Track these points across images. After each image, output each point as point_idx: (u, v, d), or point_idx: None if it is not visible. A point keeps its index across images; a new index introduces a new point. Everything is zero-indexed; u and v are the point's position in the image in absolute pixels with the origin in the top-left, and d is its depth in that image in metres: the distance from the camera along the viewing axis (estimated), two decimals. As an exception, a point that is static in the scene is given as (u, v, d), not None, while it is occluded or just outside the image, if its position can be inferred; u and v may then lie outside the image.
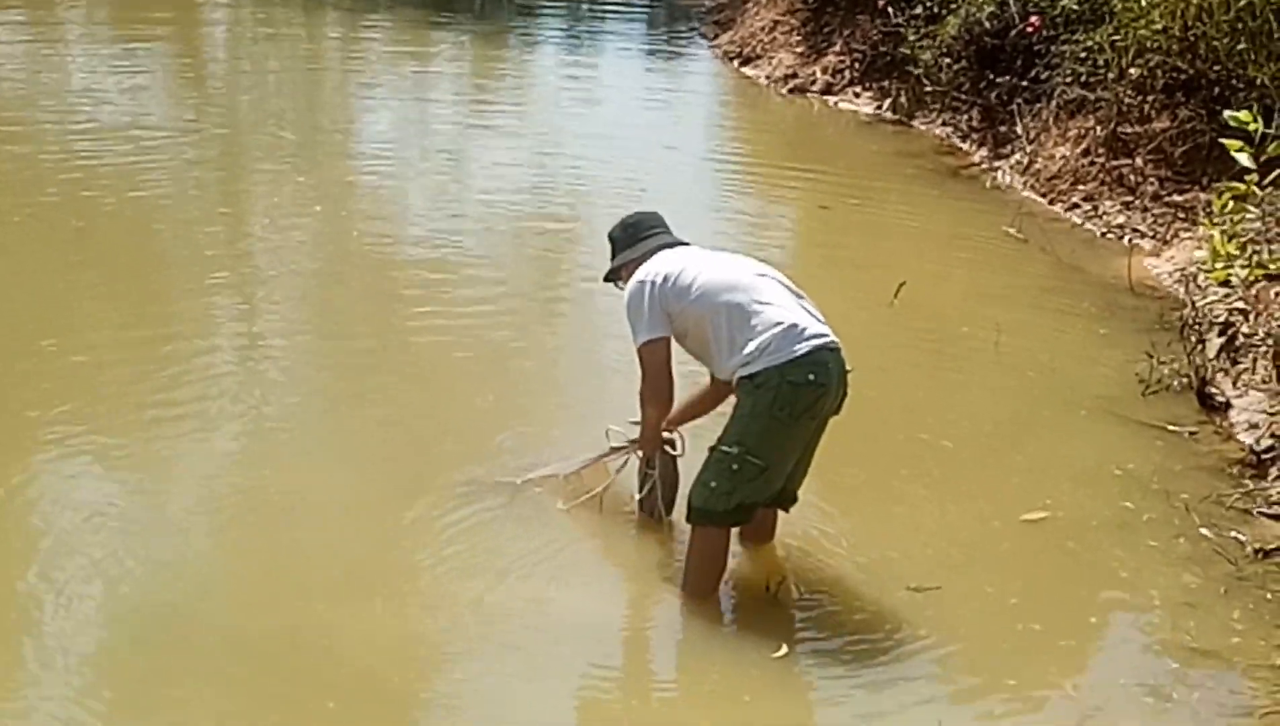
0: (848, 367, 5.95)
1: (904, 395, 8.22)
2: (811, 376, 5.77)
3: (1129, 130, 11.99)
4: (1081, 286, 10.28)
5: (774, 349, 5.78)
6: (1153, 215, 11.37)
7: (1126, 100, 12.02)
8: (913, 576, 6.31)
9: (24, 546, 6.25)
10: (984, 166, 13.36)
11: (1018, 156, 13.05)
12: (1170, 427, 7.90)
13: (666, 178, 12.84)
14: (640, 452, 6.54)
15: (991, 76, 13.80)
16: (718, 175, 13.61)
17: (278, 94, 16.35)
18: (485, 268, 10.30)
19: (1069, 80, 12.65)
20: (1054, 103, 12.83)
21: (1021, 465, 7.51)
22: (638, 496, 6.58)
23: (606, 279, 6.57)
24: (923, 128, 14.69)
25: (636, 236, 6.40)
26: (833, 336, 5.92)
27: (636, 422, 6.51)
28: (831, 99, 16.03)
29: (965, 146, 13.96)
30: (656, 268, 6.10)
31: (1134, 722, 5.51)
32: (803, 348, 5.79)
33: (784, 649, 5.79)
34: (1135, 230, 11.32)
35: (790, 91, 16.40)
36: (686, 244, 6.38)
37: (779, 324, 5.82)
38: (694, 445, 6.43)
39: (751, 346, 5.81)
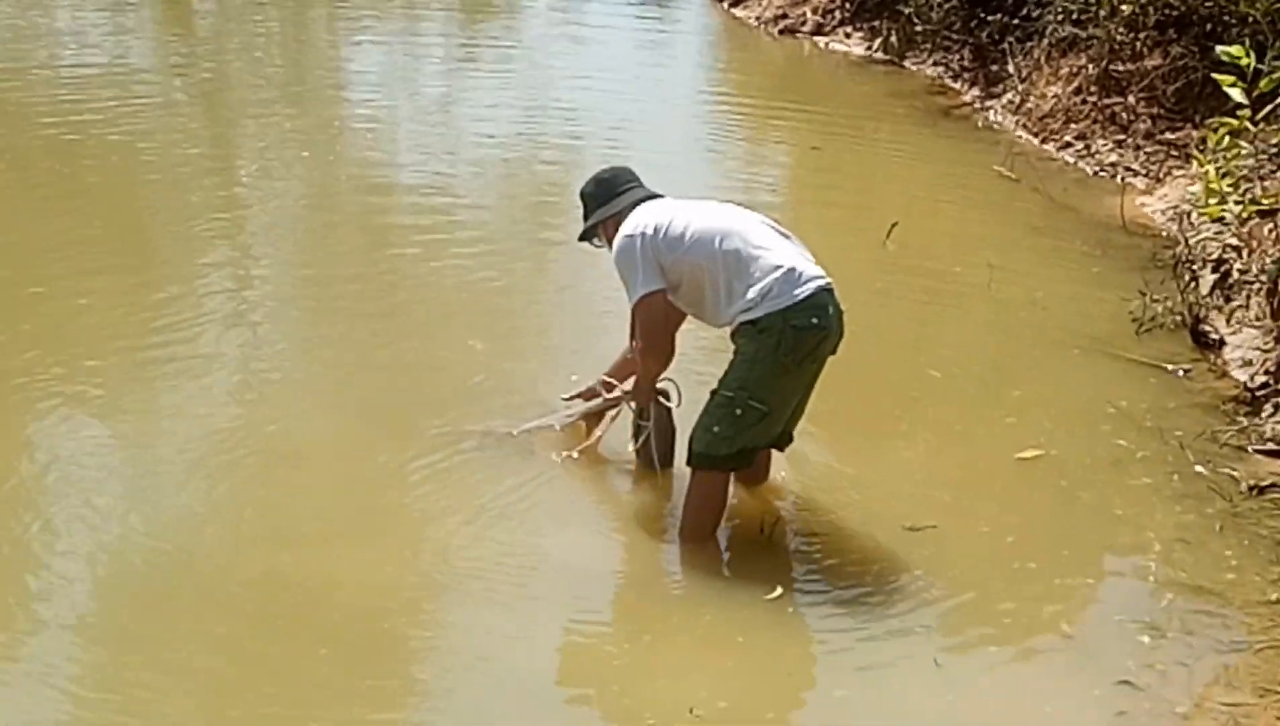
0: (842, 307, 5.94)
1: (897, 335, 8.21)
2: (815, 319, 5.76)
3: (1121, 68, 11.95)
4: (1074, 225, 10.25)
5: (776, 293, 5.74)
6: (1145, 153, 11.34)
7: (1118, 37, 11.96)
8: (908, 515, 6.30)
9: (12, 495, 6.24)
10: (975, 106, 13.34)
11: (1009, 96, 13.00)
12: (1164, 365, 7.88)
13: (657, 119, 12.84)
14: (633, 404, 6.50)
15: (983, 15, 13.74)
16: (708, 117, 13.57)
17: (265, 37, 16.24)
18: (475, 211, 10.28)
19: (1060, 18, 12.58)
20: (1045, 41, 12.78)
21: (1015, 404, 7.48)
22: (633, 448, 6.55)
23: (582, 238, 6.46)
24: (914, 68, 14.64)
25: (613, 191, 6.26)
26: (828, 277, 5.89)
27: (607, 382, 6.59)
28: (822, 39, 15.96)
29: (956, 86, 13.93)
30: (643, 220, 5.99)
31: (1129, 660, 5.49)
32: (804, 291, 5.76)
33: (778, 590, 5.78)
34: (1128, 168, 11.29)
35: (780, 32, 16.34)
36: (662, 196, 6.28)
37: (778, 268, 5.79)
38: (691, 395, 6.39)
39: (753, 292, 5.76)
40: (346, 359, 7.74)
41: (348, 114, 12.89)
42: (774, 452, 6.35)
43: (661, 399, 6.39)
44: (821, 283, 5.83)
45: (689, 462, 6.02)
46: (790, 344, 5.74)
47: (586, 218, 6.33)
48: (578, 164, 11.08)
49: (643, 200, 6.17)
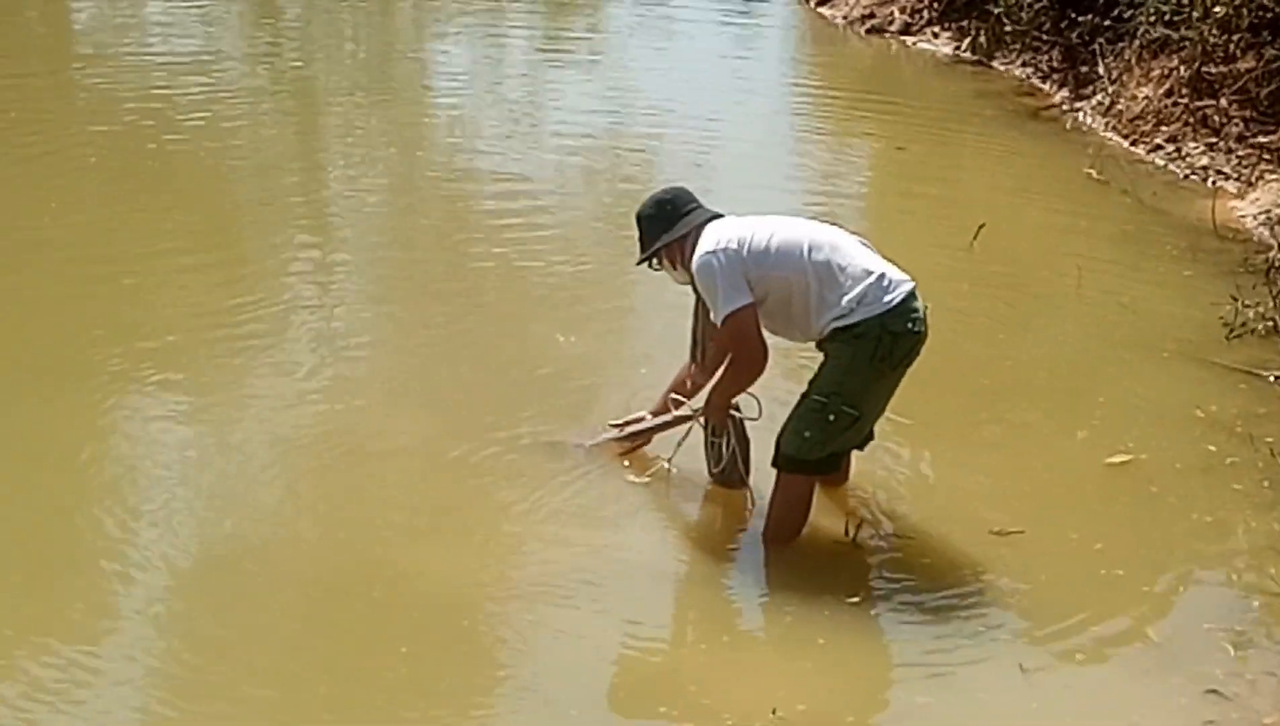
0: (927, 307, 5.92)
1: (984, 337, 8.14)
2: (910, 324, 5.74)
3: (1213, 70, 11.80)
4: (1164, 229, 10.13)
5: (871, 299, 5.71)
6: (1237, 157, 11.19)
7: (1211, 39, 11.80)
8: (995, 520, 6.26)
9: (99, 483, 6.32)
10: (1065, 107, 13.19)
11: (1099, 97, 12.86)
12: (1255, 371, 7.76)
13: (741, 118, 12.79)
14: (702, 421, 6.30)
15: (1073, 15, 13.57)
16: (793, 116, 13.52)
17: (352, 28, 16.34)
18: (559, 208, 10.29)
19: (1152, 19, 12.42)
20: (1137, 42, 12.62)
21: (1103, 408, 7.40)
22: (716, 470, 6.38)
23: (640, 262, 6.23)
24: (1002, 68, 14.51)
25: (677, 213, 6.06)
26: (913, 280, 5.86)
27: (675, 399, 6.44)
28: (909, 39, 15.86)
29: (1045, 87, 13.78)
30: (724, 235, 5.84)
31: (1216, 668, 5.43)
32: (897, 296, 5.74)
33: (861, 593, 5.78)
34: (1219, 172, 11.14)
35: (868, 32, 16.24)
36: (724, 216, 6.09)
37: (869, 273, 5.75)
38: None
39: (846, 299, 5.71)
40: (429, 353, 7.78)
41: (433, 108, 12.95)
42: (854, 452, 6.29)
43: (734, 412, 6.20)
44: (910, 286, 5.81)
45: (775, 464, 5.97)
46: (887, 349, 5.71)
47: (644, 240, 6.15)
48: (662, 161, 11.12)
49: (710, 220, 6.02)
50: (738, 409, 6.23)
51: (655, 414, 6.55)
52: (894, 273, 5.82)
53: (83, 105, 12.31)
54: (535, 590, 5.77)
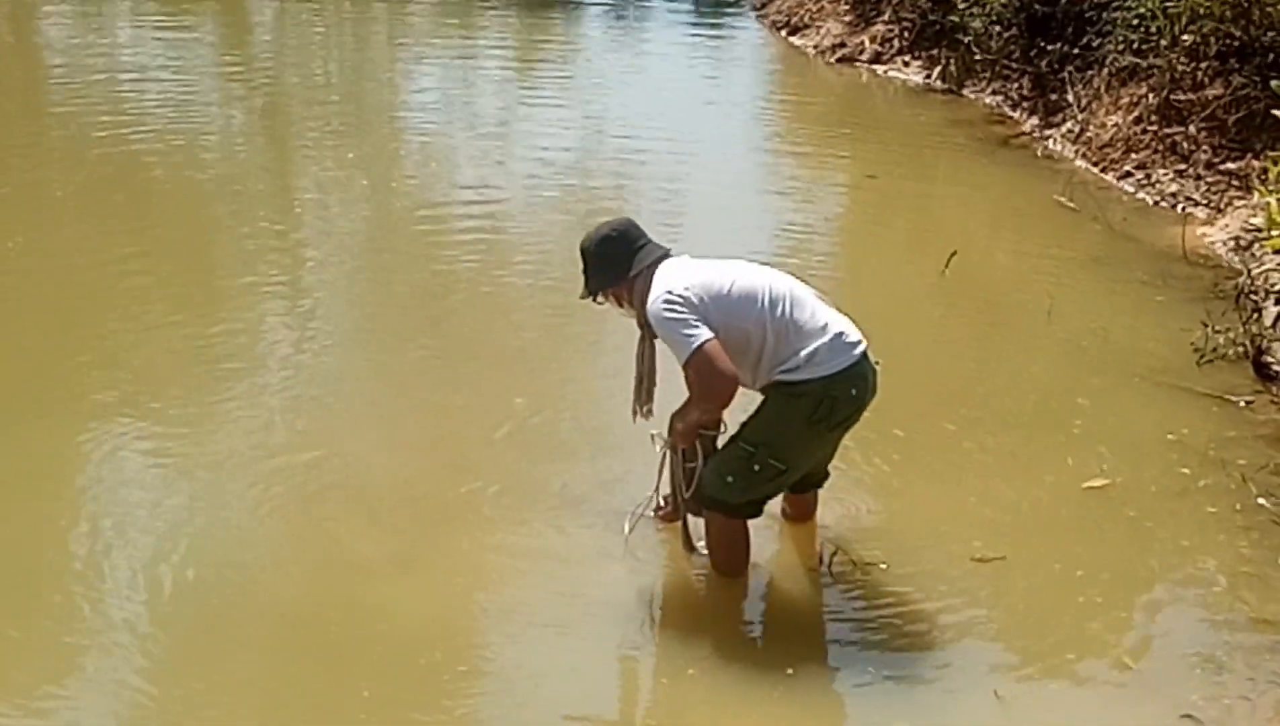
0: (876, 363, 5.74)
1: (958, 365, 8.17)
2: (854, 391, 5.60)
3: (1182, 98, 11.88)
4: (1134, 255, 10.18)
5: (820, 360, 5.53)
6: (1206, 183, 11.25)
7: (1179, 67, 11.90)
8: (974, 546, 6.26)
9: (79, 519, 6.29)
10: (1035, 135, 13.27)
11: (1069, 125, 12.95)
12: (1226, 397, 7.80)
13: (712, 146, 12.84)
14: (676, 446, 5.98)
15: (1042, 44, 13.71)
16: (765, 144, 13.59)
17: (324, 63, 16.37)
18: (533, 239, 10.31)
19: (1121, 47, 12.53)
20: (1106, 70, 12.72)
21: (1077, 433, 7.41)
22: (687, 495, 6.00)
23: (585, 296, 5.96)
24: (972, 96, 14.62)
25: (628, 250, 5.78)
26: (864, 341, 5.67)
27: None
28: (880, 68, 15.96)
29: (1015, 115, 13.87)
30: (680, 280, 5.58)
31: (1192, 694, 5.44)
32: (847, 361, 5.57)
33: (837, 620, 5.81)
34: (1189, 198, 11.20)
35: (838, 61, 16.34)
36: (672, 253, 5.83)
37: (824, 332, 5.57)
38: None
39: (799, 356, 5.53)
40: (405, 387, 7.76)
41: (405, 134, 12.99)
42: (817, 492, 6.26)
43: (705, 431, 5.89)
44: (861, 349, 5.63)
45: (696, 500, 5.89)
46: (825, 412, 5.57)
47: (590, 277, 5.88)
48: (633, 188, 11.17)
49: (659, 260, 5.76)
50: (706, 428, 5.91)
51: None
52: (849, 333, 5.64)
53: (50, 138, 12.28)
54: (499, 629, 5.73)
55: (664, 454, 6.08)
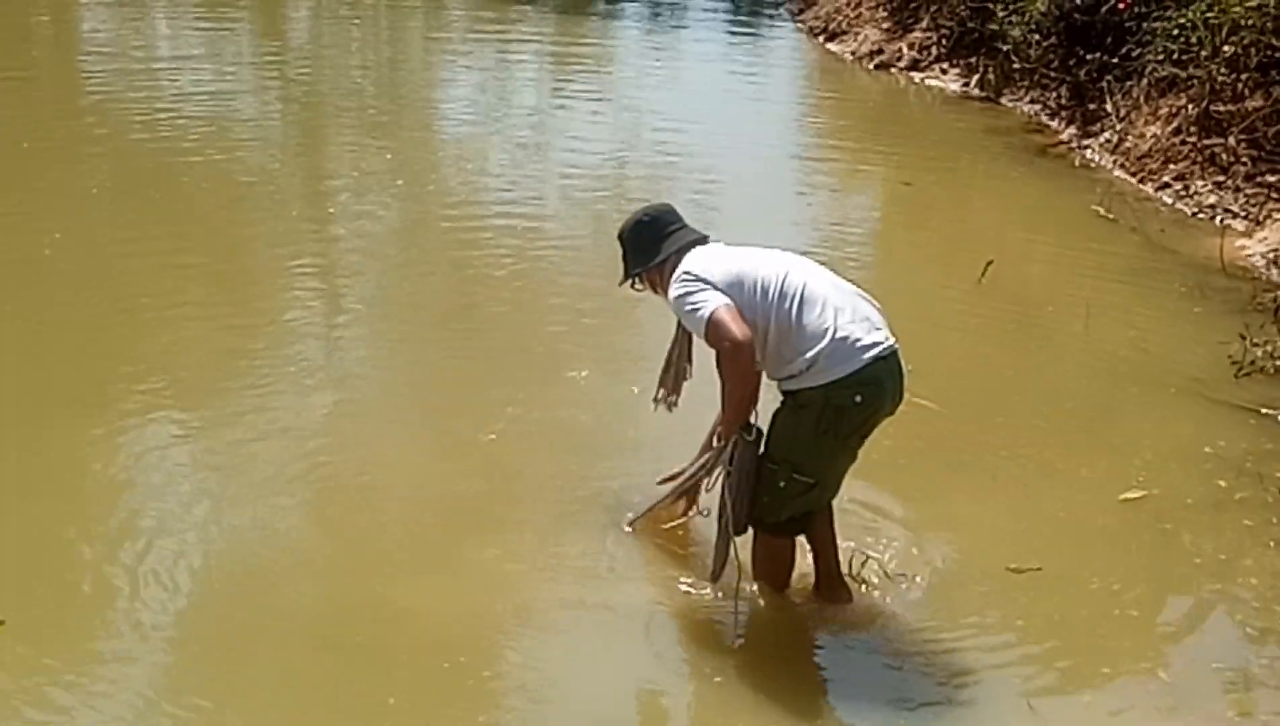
0: (905, 368, 5.55)
1: (993, 374, 8.13)
2: (859, 398, 5.40)
3: (1221, 109, 11.82)
4: (1172, 266, 10.14)
5: (821, 367, 5.37)
6: (1245, 195, 11.20)
7: (1219, 78, 11.84)
8: (1011, 556, 6.23)
9: (107, 514, 6.29)
10: (1072, 145, 13.21)
11: (1107, 134, 12.89)
12: (1263, 410, 7.75)
13: (748, 153, 12.78)
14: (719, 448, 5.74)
15: (1081, 53, 13.63)
16: (801, 151, 13.55)
17: (360, 65, 16.40)
18: (568, 244, 10.27)
19: (1160, 58, 12.47)
20: (1145, 80, 12.66)
21: (1113, 444, 7.38)
22: (730, 504, 5.68)
23: (623, 282, 5.95)
24: (1010, 105, 14.56)
25: (660, 236, 5.77)
26: (888, 340, 5.47)
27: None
28: (918, 75, 15.91)
29: (1054, 124, 13.81)
30: (699, 265, 5.54)
31: (1226, 709, 5.42)
32: (851, 366, 5.37)
33: (868, 628, 5.75)
34: (1227, 210, 11.14)
35: (876, 67, 16.30)
36: (707, 238, 5.81)
37: (828, 336, 5.37)
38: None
39: (800, 361, 5.40)
40: (434, 388, 7.77)
41: (439, 134, 12.99)
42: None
43: (745, 436, 5.63)
44: (876, 351, 5.41)
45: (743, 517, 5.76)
46: (830, 422, 5.41)
47: (627, 261, 5.87)
48: (667, 191, 11.10)
49: (691, 244, 5.72)
50: (749, 431, 5.66)
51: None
52: (865, 336, 5.43)
53: (87, 133, 12.31)
54: (523, 634, 5.70)
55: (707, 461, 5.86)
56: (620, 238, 5.91)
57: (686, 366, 5.96)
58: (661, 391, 6.08)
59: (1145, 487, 6.88)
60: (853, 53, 16.88)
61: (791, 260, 5.67)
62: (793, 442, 5.51)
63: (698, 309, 5.42)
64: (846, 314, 5.47)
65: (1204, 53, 11.96)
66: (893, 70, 16.19)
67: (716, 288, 5.44)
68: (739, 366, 5.39)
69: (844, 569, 5.95)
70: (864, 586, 5.98)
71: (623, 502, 6.44)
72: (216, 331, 8.18)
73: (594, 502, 6.51)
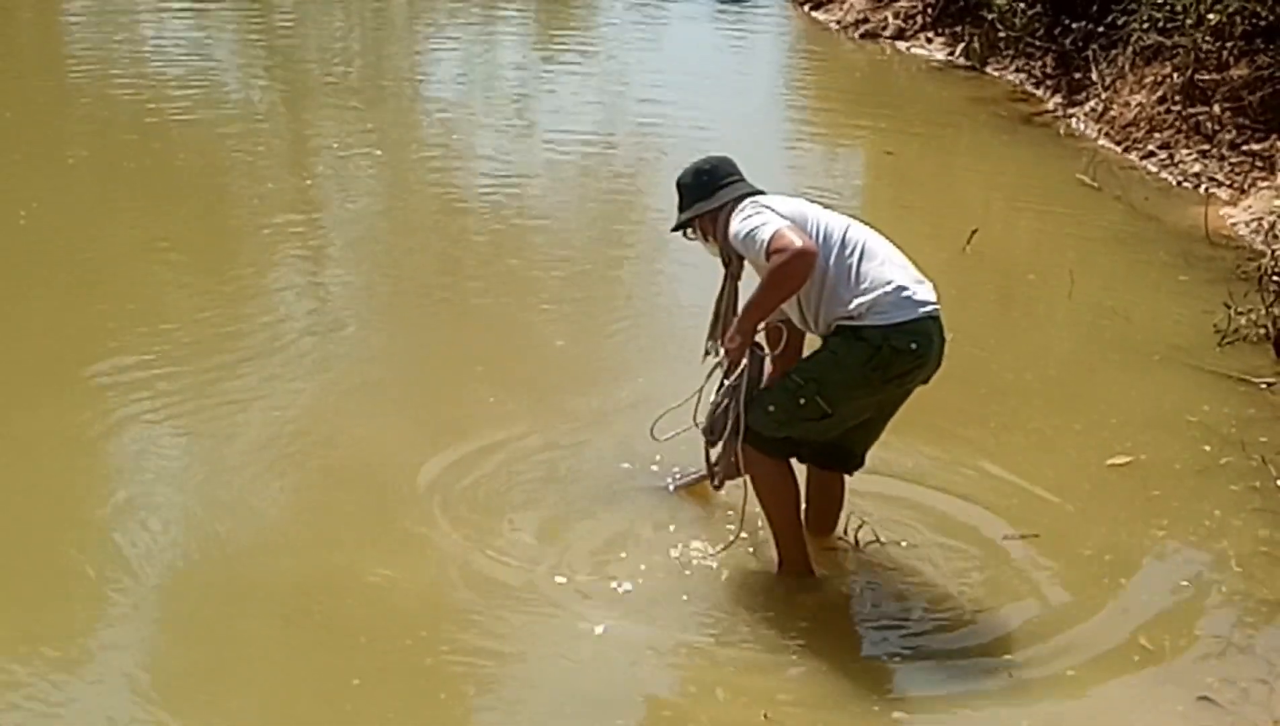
0: (946, 335, 5.61)
1: (978, 343, 8.06)
2: (914, 345, 5.45)
3: (1206, 77, 11.81)
4: (1156, 235, 10.14)
5: (884, 309, 5.41)
6: (1230, 164, 11.19)
7: (1204, 47, 11.84)
8: (999, 522, 6.26)
9: (83, 488, 6.31)
10: (1058, 113, 13.20)
11: (1092, 103, 12.88)
12: (1247, 378, 7.76)
13: (734, 120, 12.75)
14: (728, 356, 5.70)
15: (1067, 22, 13.62)
16: (786, 119, 13.54)
17: (344, 29, 16.33)
18: (551, 213, 10.27)
19: (1145, 26, 12.45)
20: (1130, 49, 12.64)
21: (1098, 411, 7.38)
22: (711, 429, 5.76)
23: (675, 228, 5.97)
24: (995, 74, 14.54)
25: (716, 184, 5.78)
26: (937, 303, 5.57)
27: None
28: (903, 44, 15.88)
29: (1039, 93, 13.80)
30: (762, 203, 5.56)
31: (1208, 675, 5.41)
32: (912, 313, 5.45)
33: (860, 594, 5.78)
34: (1212, 179, 11.14)
35: (861, 36, 16.26)
36: (764, 192, 5.76)
37: (890, 284, 5.44)
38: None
39: (857, 302, 5.42)
40: (418, 364, 7.76)
41: (425, 108, 12.94)
42: (845, 477, 6.09)
43: (757, 348, 5.67)
44: (930, 309, 5.50)
45: (734, 432, 5.68)
46: (885, 360, 5.43)
47: (682, 208, 5.88)
48: (653, 162, 11.10)
49: (748, 195, 5.69)
50: (761, 347, 5.71)
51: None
52: (922, 291, 5.52)
53: (66, 107, 12.26)
54: (511, 607, 5.66)
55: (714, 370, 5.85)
56: (679, 184, 5.90)
57: (733, 318, 5.83)
58: (710, 342, 6.01)
59: (1131, 453, 6.88)
60: (838, 21, 16.83)
61: (848, 219, 5.70)
62: (833, 366, 5.50)
63: (760, 228, 5.41)
64: (905, 273, 5.55)
65: (1189, 21, 11.95)
66: (878, 39, 16.15)
67: (781, 217, 5.45)
68: (790, 268, 5.32)
69: (838, 531, 5.98)
70: (856, 549, 5.99)
71: (598, 478, 6.45)
72: (195, 304, 8.15)
73: (564, 479, 6.49)
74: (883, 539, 6.06)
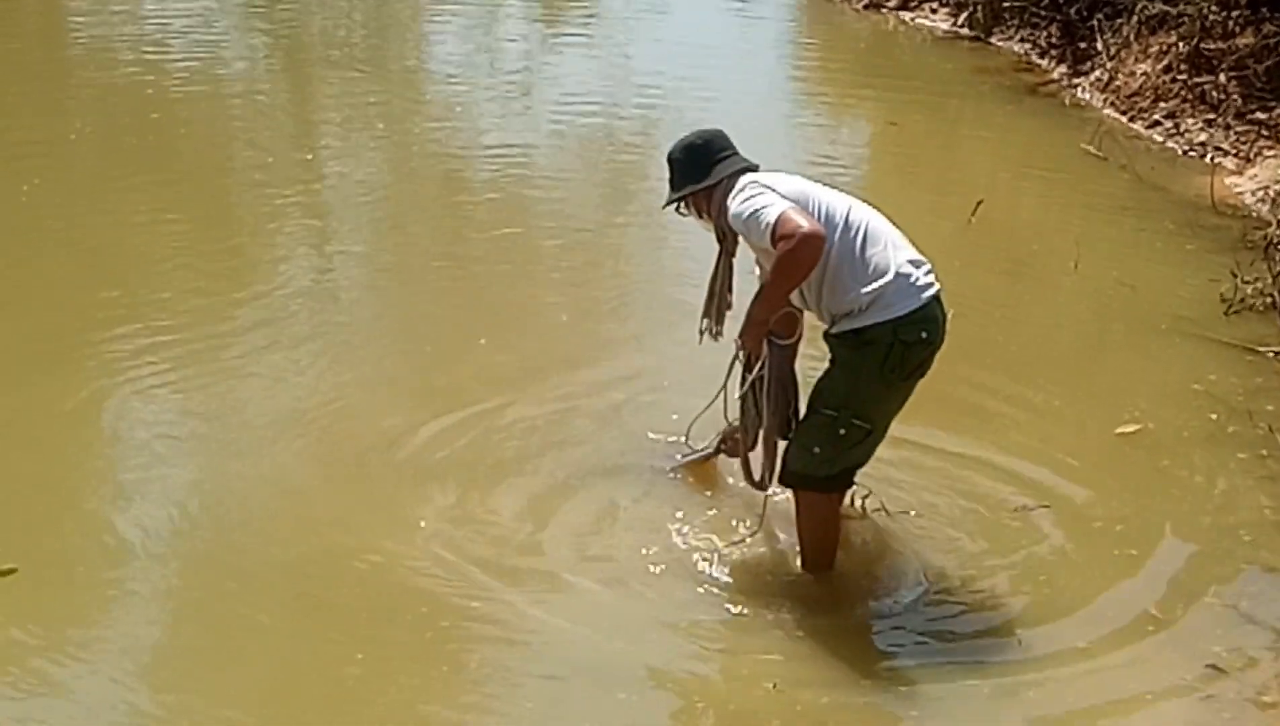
0: (948, 311, 5.48)
1: (984, 314, 8.04)
2: (925, 333, 5.30)
3: (1212, 46, 11.77)
4: (1162, 205, 10.11)
5: (886, 301, 5.25)
6: (1235, 133, 11.15)
7: (1209, 15, 11.80)
8: (1013, 494, 6.28)
9: (88, 465, 6.33)
10: (1063, 83, 13.14)
11: (1097, 73, 12.83)
12: (1254, 347, 7.74)
13: (737, 90, 12.73)
14: (742, 353, 5.66)
15: (1072, -9, 13.56)
16: (789, 89, 13.54)
17: (347, 11, 16.28)
18: (555, 185, 10.24)
19: (1151, -6, 12.41)
20: (1135, 18, 12.57)
21: (1105, 382, 7.40)
22: (767, 412, 5.58)
23: (667, 205, 5.77)
24: (1000, 44, 14.46)
25: (711, 159, 5.57)
26: (938, 283, 5.40)
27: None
28: (907, 14, 15.79)
29: (1044, 63, 13.73)
30: (763, 181, 5.37)
31: (1216, 645, 5.42)
32: (916, 302, 5.28)
33: (866, 564, 5.78)
34: (1218, 148, 11.11)
35: (865, 7, 16.16)
36: (758, 166, 5.59)
37: (891, 271, 5.26)
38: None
39: (864, 291, 5.24)
40: (427, 338, 7.74)
41: (428, 83, 12.93)
42: None
43: (776, 339, 5.49)
44: (933, 290, 5.34)
45: (783, 481, 5.64)
46: (898, 358, 5.28)
47: (674, 184, 5.67)
48: (658, 136, 11.06)
49: (743, 170, 5.50)
50: (778, 335, 5.49)
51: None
52: (922, 275, 5.34)
53: (68, 81, 12.25)
54: (511, 582, 5.67)
55: (736, 367, 5.75)
56: (670, 159, 5.71)
57: (728, 296, 5.79)
58: (705, 321, 5.88)
59: (1139, 422, 6.88)
60: (842, -9, 16.78)
61: (848, 197, 5.52)
62: (853, 385, 5.35)
63: (763, 210, 5.22)
64: (905, 253, 5.37)
65: (1194, -11, 11.92)
66: (883, 9, 16.05)
67: (783, 197, 5.27)
68: (799, 255, 5.14)
69: (845, 502, 5.89)
70: (862, 517, 6.00)
71: (600, 453, 6.47)
72: (198, 277, 8.15)
73: (583, 462, 6.45)
74: (889, 509, 6.05)
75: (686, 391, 6.36)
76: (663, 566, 5.76)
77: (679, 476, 6.30)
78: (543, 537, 5.93)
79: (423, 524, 5.97)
